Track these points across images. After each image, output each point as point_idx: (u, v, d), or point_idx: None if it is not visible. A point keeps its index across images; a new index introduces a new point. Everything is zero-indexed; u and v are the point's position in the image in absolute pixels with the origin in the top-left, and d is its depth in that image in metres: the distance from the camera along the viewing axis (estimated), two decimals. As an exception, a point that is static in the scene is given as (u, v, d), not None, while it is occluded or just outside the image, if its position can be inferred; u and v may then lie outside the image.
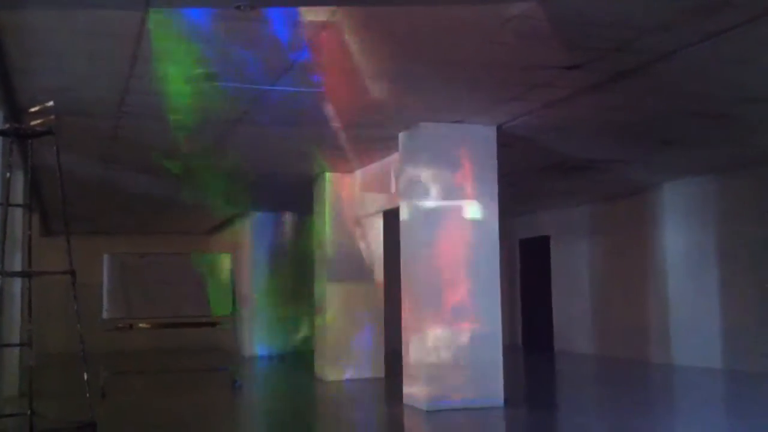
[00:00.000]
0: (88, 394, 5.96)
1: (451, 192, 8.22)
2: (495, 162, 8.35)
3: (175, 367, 13.04)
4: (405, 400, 8.45)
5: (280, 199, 14.11)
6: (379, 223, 11.27)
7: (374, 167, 10.50)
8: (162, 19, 5.16)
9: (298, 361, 14.44)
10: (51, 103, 5.93)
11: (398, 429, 7.92)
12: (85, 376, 5.98)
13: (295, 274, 15.60)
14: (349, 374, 10.89)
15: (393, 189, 9.70)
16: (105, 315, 10.03)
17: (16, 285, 9.42)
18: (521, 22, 5.21)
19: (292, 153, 9.78)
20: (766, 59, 6.22)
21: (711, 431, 7.29)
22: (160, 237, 18.01)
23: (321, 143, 9.17)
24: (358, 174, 11.07)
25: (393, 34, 5.50)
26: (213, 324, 11.62)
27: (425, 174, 8.20)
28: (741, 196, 11.29)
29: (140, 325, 10.71)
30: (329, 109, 7.54)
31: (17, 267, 9.28)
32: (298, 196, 12.82)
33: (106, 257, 10.21)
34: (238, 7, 4.90)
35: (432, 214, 8.15)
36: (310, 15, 5.14)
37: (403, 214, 8.67)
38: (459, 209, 8.23)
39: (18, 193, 8.79)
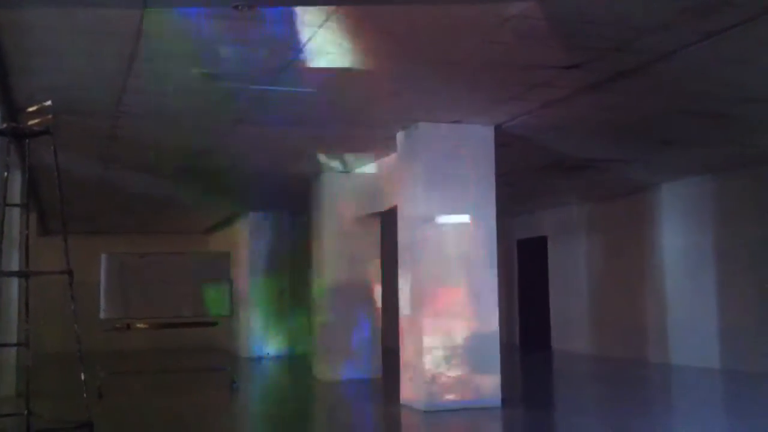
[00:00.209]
0: (85, 395, 5.94)
1: (448, 192, 8.21)
2: (493, 162, 8.35)
3: (172, 367, 13.01)
4: (403, 401, 8.44)
5: (278, 199, 14.11)
6: (376, 223, 11.26)
7: (372, 167, 10.49)
8: (160, 19, 5.15)
9: (296, 361, 14.45)
10: (49, 103, 5.91)
11: (396, 429, 7.92)
12: (83, 376, 5.96)
13: (293, 274, 15.60)
14: (346, 374, 10.88)
15: (391, 189, 9.69)
16: (102, 315, 10.00)
17: (14, 285, 9.40)
18: (520, 22, 5.21)
19: (290, 153, 9.78)
20: (765, 59, 6.22)
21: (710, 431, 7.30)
22: (158, 237, 17.98)
23: (319, 143, 9.17)
24: (356, 174, 11.06)
25: (391, 33, 5.49)
26: (211, 324, 11.61)
27: (423, 174, 8.19)
28: (739, 196, 11.30)
29: (138, 325, 10.68)
30: (327, 109, 7.53)
31: (14, 267, 9.26)
32: (296, 196, 12.81)
33: (103, 257, 10.18)
34: (236, 7, 4.89)
35: (429, 215, 8.15)
36: (309, 15, 5.13)
37: (401, 214, 8.67)
38: (457, 210, 8.22)
39: (15, 193, 8.77)
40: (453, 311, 8.09)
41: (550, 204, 15.28)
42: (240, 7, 4.89)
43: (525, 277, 16.68)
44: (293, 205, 14.33)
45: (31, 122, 6.05)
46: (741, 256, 11.23)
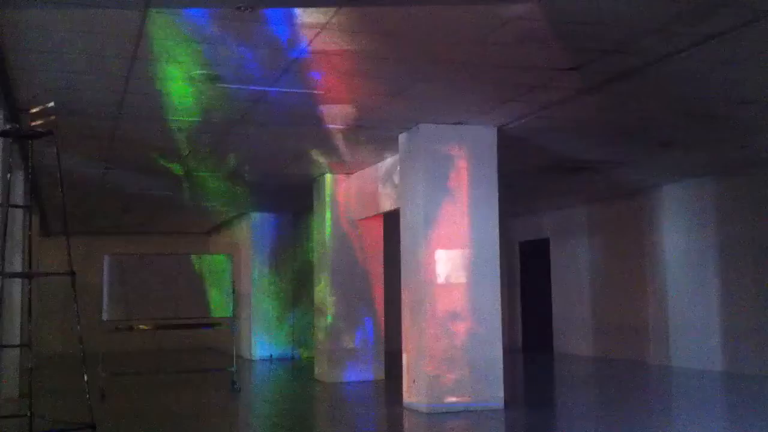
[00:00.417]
0: (87, 395, 5.95)
1: (451, 194, 8.21)
2: (495, 163, 8.35)
3: (174, 368, 13.02)
4: (405, 402, 8.44)
5: (279, 200, 14.11)
6: (379, 224, 11.26)
7: (374, 169, 10.49)
8: (162, 20, 5.15)
9: (298, 362, 14.44)
10: (51, 104, 5.92)
11: (398, 431, 7.91)
12: (85, 377, 5.97)
13: (295, 276, 15.60)
14: (348, 376, 10.87)
15: (393, 190, 9.69)
16: (105, 316, 10.01)
17: (16, 286, 9.41)
18: (520, 24, 5.21)
19: (291, 154, 9.78)
20: (762, 61, 6.22)
21: (711, 433, 7.30)
22: (160, 238, 18.01)
23: (321, 144, 9.17)
24: (359, 175, 11.06)
25: (393, 35, 5.49)
26: (212, 325, 11.62)
27: (425, 175, 8.19)
28: (740, 198, 11.29)
29: (140, 326, 10.70)
30: (329, 111, 7.54)
31: (17, 268, 9.28)
32: (297, 197, 12.82)
33: (106, 258, 10.19)
34: (238, 8, 4.89)
35: (432, 216, 8.15)
36: (310, 16, 5.13)
37: (403, 216, 8.66)
38: (459, 211, 8.22)
39: (18, 194, 8.78)
40: (455, 313, 8.08)
41: (552, 206, 15.27)
42: (242, 8, 4.90)
43: (527, 279, 16.67)
44: (295, 206, 14.34)
45: (33, 123, 6.06)
46: (743, 258, 11.21)
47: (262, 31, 5.37)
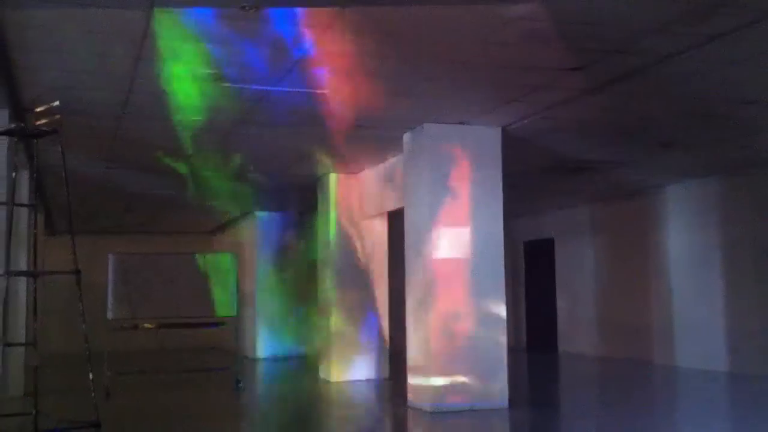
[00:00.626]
0: (92, 394, 5.96)
1: (455, 193, 8.21)
2: (500, 163, 8.34)
3: (178, 367, 13.04)
4: (409, 402, 8.44)
5: (284, 200, 14.12)
6: (383, 224, 11.27)
7: (379, 168, 10.50)
8: (166, 19, 5.16)
9: (302, 361, 14.45)
10: (57, 103, 5.94)
11: (402, 430, 7.92)
12: (90, 376, 5.99)
13: (300, 275, 15.61)
14: (353, 375, 10.88)
15: (397, 190, 9.70)
16: (110, 315, 10.04)
17: (21, 284, 9.43)
18: (524, 24, 5.22)
19: (296, 153, 9.79)
20: (765, 61, 6.21)
21: (716, 433, 7.29)
22: (164, 237, 18.03)
23: (325, 144, 9.18)
24: (363, 175, 11.07)
25: (397, 34, 5.49)
26: (217, 324, 11.63)
27: (429, 175, 8.19)
28: (744, 198, 11.27)
29: (144, 325, 10.72)
30: (333, 110, 7.54)
31: (22, 266, 9.31)
32: (302, 197, 12.83)
33: (111, 257, 10.21)
34: (242, 8, 4.90)
35: (436, 216, 8.15)
36: (315, 16, 5.14)
37: (407, 216, 8.67)
38: (463, 211, 8.22)
39: (23, 193, 8.80)
40: (459, 312, 8.08)
41: (556, 205, 15.26)
42: (247, 8, 4.91)
43: (532, 279, 16.65)
44: (300, 205, 14.35)
45: (38, 122, 6.08)
46: (747, 258, 11.19)
47: (266, 31, 5.38)
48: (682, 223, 12.36)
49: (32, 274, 7.30)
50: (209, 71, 6.29)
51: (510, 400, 8.15)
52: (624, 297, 13.69)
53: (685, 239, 12.31)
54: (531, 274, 16.67)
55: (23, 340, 9.14)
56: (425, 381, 8.06)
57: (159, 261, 10.59)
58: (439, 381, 7.98)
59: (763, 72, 6.49)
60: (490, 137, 8.30)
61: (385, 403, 9.48)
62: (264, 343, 15.46)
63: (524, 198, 13.69)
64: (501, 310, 8.26)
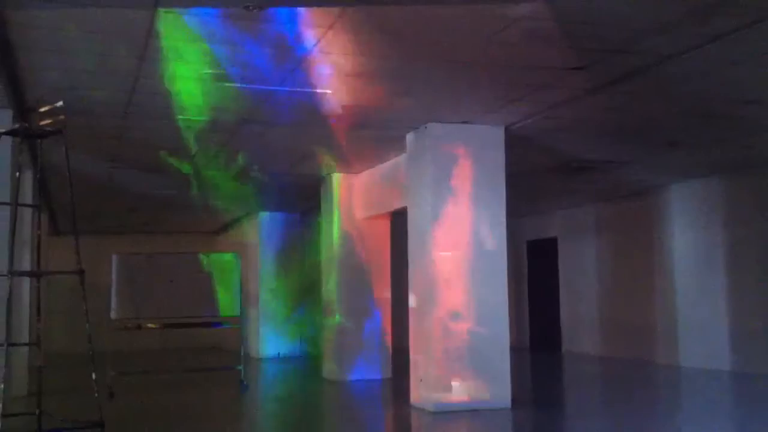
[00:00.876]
0: (96, 394, 5.96)
1: (458, 193, 8.21)
2: (503, 163, 8.34)
3: (182, 367, 13.05)
4: (412, 401, 8.44)
5: (287, 200, 14.13)
6: (386, 223, 11.26)
7: (382, 168, 10.50)
8: (170, 19, 5.17)
9: (306, 361, 14.46)
10: (60, 103, 5.94)
11: (405, 430, 7.91)
12: (93, 376, 5.99)
13: (303, 275, 15.62)
14: (356, 375, 10.89)
15: (400, 190, 9.69)
16: (114, 315, 10.04)
17: (25, 285, 9.44)
18: (527, 23, 5.21)
19: (299, 153, 9.79)
20: (766, 61, 6.20)
21: (720, 433, 7.27)
22: (168, 237, 18.05)
23: (328, 144, 9.18)
24: (366, 174, 11.07)
25: (400, 34, 5.49)
26: (220, 324, 11.63)
27: (432, 175, 8.19)
28: (748, 197, 11.26)
29: (148, 325, 10.72)
30: (336, 110, 7.54)
31: (26, 267, 9.32)
32: (306, 197, 12.83)
33: (114, 257, 10.22)
34: (246, 7, 4.90)
35: (439, 215, 8.14)
36: (318, 15, 5.14)
37: (410, 215, 8.66)
38: (466, 210, 8.21)
39: (26, 193, 8.82)
40: (463, 312, 8.08)
41: (559, 205, 15.25)
42: (250, 8, 4.91)
43: (535, 278, 16.64)
44: (303, 205, 14.35)
45: (42, 122, 6.08)
46: (751, 257, 11.18)
47: (269, 31, 5.38)
48: (686, 222, 12.34)
49: (36, 274, 7.31)
50: (212, 71, 6.30)
51: (513, 400, 8.14)
52: (627, 296, 13.67)
53: (688, 239, 12.29)
54: (534, 273, 16.66)
55: (27, 340, 9.15)
56: (428, 381, 8.06)
57: (162, 261, 10.59)
58: (441, 381, 7.97)
59: (764, 72, 6.48)
60: (494, 137, 8.30)
61: (388, 403, 9.48)
62: (267, 343, 15.48)
63: (527, 197, 13.68)
64: (504, 309, 8.25)
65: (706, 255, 11.93)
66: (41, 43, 5.61)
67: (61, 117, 5.96)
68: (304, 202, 13.70)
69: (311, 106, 7.33)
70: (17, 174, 6.41)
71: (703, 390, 10.16)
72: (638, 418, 7.71)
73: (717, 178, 11.60)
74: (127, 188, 12.10)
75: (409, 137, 8.67)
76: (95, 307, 7.03)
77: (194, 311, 10.58)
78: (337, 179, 11.22)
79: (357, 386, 10.43)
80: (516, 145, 8.54)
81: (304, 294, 15.59)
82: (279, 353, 15.38)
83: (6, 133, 6.12)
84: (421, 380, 8.24)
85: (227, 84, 6.65)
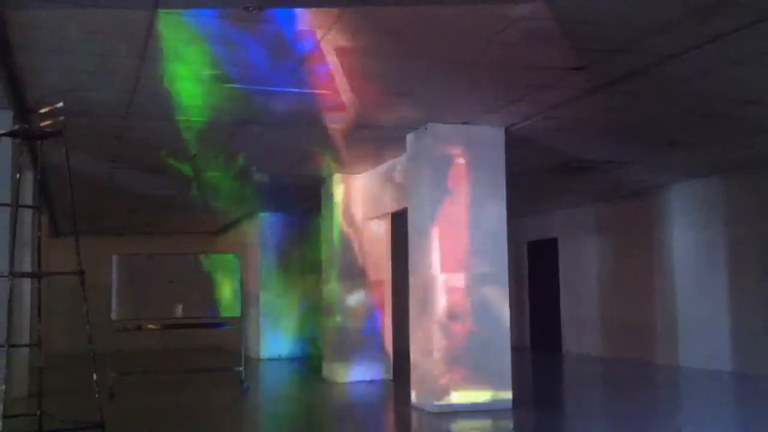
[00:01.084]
0: (97, 395, 5.96)
1: (458, 193, 8.20)
2: (503, 163, 8.34)
3: (182, 368, 13.05)
4: (413, 402, 8.44)
5: (288, 200, 14.13)
6: (386, 224, 11.26)
7: (382, 168, 10.50)
8: (170, 20, 5.17)
9: (306, 362, 14.46)
10: (61, 104, 5.94)
11: (406, 430, 7.91)
12: (94, 377, 5.99)
13: (303, 276, 15.61)
14: (356, 376, 10.88)
15: (400, 190, 9.69)
16: (114, 316, 10.04)
17: (26, 286, 9.44)
18: (527, 23, 5.21)
19: (299, 154, 9.79)
20: (767, 61, 6.20)
21: (720, 433, 7.27)
22: (168, 238, 18.04)
23: (328, 144, 9.17)
24: (366, 175, 11.07)
25: (400, 35, 5.49)
26: (221, 325, 11.63)
27: (432, 175, 8.19)
28: (749, 197, 11.25)
29: (148, 325, 10.72)
30: (336, 111, 7.54)
31: (27, 268, 9.32)
32: (306, 197, 12.83)
33: (115, 258, 10.22)
34: (246, 8, 4.90)
35: (440, 216, 8.14)
36: (318, 16, 5.14)
37: (411, 216, 8.66)
38: (467, 211, 8.21)
39: (27, 194, 8.82)
40: (463, 312, 8.08)
41: (560, 205, 15.24)
42: (250, 9, 4.91)
43: (535, 279, 16.64)
44: (304, 205, 14.35)
45: (42, 124, 6.08)
46: (751, 257, 11.17)
47: (269, 32, 5.38)
48: (686, 222, 12.34)
49: (36, 275, 7.31)
50: (212, 72, 6.30)
51: (514, 400, 8.14)
52: (628, 296, 13.67)
53: (688, 239, 12.29)
54: (535, 273, 16.65)
55: (27, 341, 9.15)
56: (429, 381, 8.06)
57: (163, 262, 10.59)
58: (442, 381, 7.97)
59: (764, 72, 6.48)
60: (494, 137, 8.30)
61: (389, 404, 9.47)
62: (268, 344, 15.48)
63: (528, 198, 13.68)
64: (504, 309, 8.25)
65: (706, 255, 11.93)
66: (41, 44, 5.61)
67: (62, 118, 5.96)
68: (304, 202, 13.70)
69: (311, 106, 7.33)
70: (17, 175, 6.41)
71: (704, 390, 10.16)
72: (639, 419, 7.71)
73: (717, 177, 11.60)
74: (127, 189, 12.10)
75: (409, 138, 8.67)
76: (96, 307, 7.03)
77: (194, 312, 10.58)
78: (337, 180, 11.22)
79: (357, 387, 10.43)
80: (516, 145, 8.54)
81: (305, 295, 15.59)
82: (279, 354, 15.38)
83: (6, 134, 6.12)
84: (422, 381, 8.23)
85: (227, 84, 6.65)
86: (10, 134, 6.20)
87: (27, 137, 6.24)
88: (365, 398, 9.77)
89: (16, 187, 6.52)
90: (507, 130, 8.29)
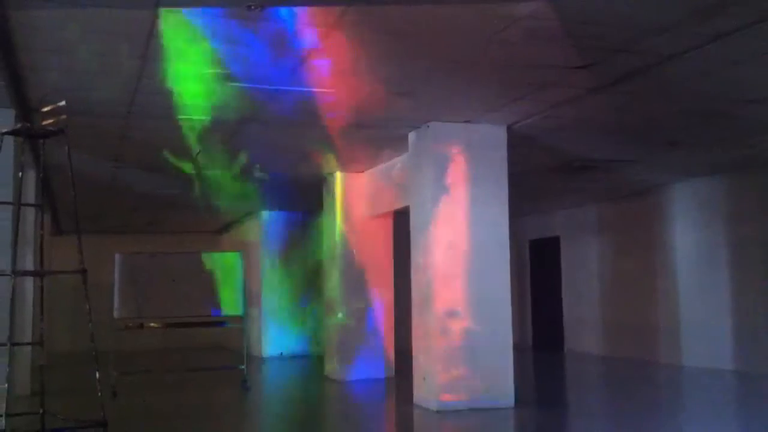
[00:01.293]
0: (99, 393, 5.98)
1: (460, 192, 8.21)
2: (505, 162, 8.34)
3: (184, 366, 13.07)
4: (415, 400, 8.45)
5: (290, 199, 14.14)
6: (388, 222, 11.27)
7: (384, 167, 10.51)
8: (172, 19, 5.18)
9: (308, 360, 14.47)
10: (63, 103, 5.95)
11: (408, 429, 7.92)
12: (96, 375, 6.00)
13: (305, 274, 15.62)
14: (359, 374, 10.89)
15: (402, 189, 9.70)
16: (116, 314, 10.06)
17: (28, 284, 9.46)
18: (529, 23, 5.22)
19: (301, 153, 9.79)
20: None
21: (722, 432, 7.27)
22: (170, 236, 18.05)
23: (330, 143, 9.18)
24: (368, 174, 11.08)
25: (401, 34, 5.50)
26: (223, 323, 11.64)
27: (434, 174, 8.19)
28: (751, 197, 11.25)
29: (150, 324, 10.74)
30: (338, 109, 7.55)
31: (29, 266, 9.34)
32: (308, 196, 12.83)
33: (117, 257, 10.23)
34: (248, 7, 4.91)
35: (442, 214, 8.15)
36: (320, 15, 5.15)
37: (413, 214, 8.67)
38: (469, 209, 8.22)
39: (29, 193, 8.83)
40: (465, 311, 8.08)
41: (562, 204, 15.24)
42: (252, 7, 4.91)
43: (537, 278, 16.64)
44: (306, 204, 14.35)
45: (45, 122, 6.09)
46: (754, 256, 11.17)
47: (271, 30, 5.39)
48: (689, 221, 12.34)
49: (39, 274, 7.32)
50: (214, 71, 6.30)
51: (516, 399, 8.14)
52: (630, 296, 13.67)
53: (691, 238, 12.29)
54: (537, 272, 16.65)
55: (30, 340, 9.17)
56: (431, 380, 8.06)
57: (165, 260, 10.60)
58: (444, 380, 7.98)
59: (764, 72, 6.47)
60: (495, 136, 8.30)
61: (392, 402, 9.48)
62: (270, 342, 15.48)
63: (530, 197, 13.68)
64: (507, 308, 8.25)
65: (708, 254, 11.92)
66: (43, 44, 5.62)
67: (64, 117, 5.97)
68: (306, 201, 13.70)
69: (313, 105, 7.34)
70: (20, 174, 6.42)
71: (706, 390, 10.15)
72: (641, 418, 7.70)
73: (719, 177, 11.60)
74: (129, 188, 12.11)
75: (411, 136, 8.68)
76: (98, 306, 7.04)
77: (197, 310, 10.59)
78: (339, 178, 11.23)
79: (359, 385, 10.44)
80: (518, 144, 8.54)
81: (307, 293, 15.60)
82: (281, 352, 15.39)
83: (8, 133, 6.13)
84: (424, 379, 8.24)
85: (229, 83, 6.66)
86: (13, 133, 6.21)
87: (29, 136, 6.25)
88: (367, 396, 9.78)
89: (19, 186, 6.53)
90: (508, 129, 8.29)
